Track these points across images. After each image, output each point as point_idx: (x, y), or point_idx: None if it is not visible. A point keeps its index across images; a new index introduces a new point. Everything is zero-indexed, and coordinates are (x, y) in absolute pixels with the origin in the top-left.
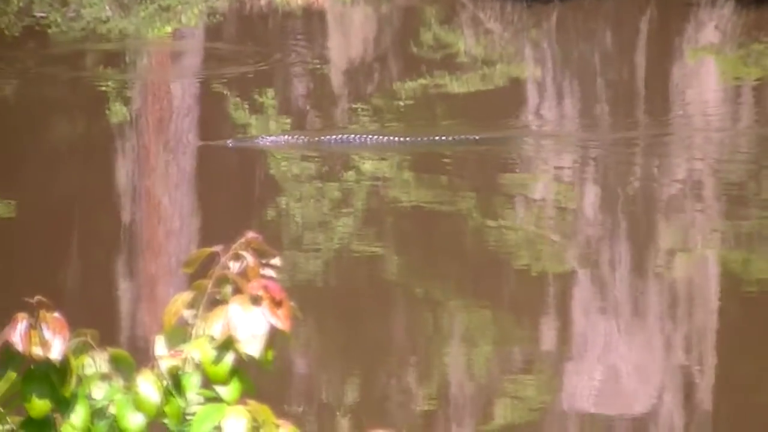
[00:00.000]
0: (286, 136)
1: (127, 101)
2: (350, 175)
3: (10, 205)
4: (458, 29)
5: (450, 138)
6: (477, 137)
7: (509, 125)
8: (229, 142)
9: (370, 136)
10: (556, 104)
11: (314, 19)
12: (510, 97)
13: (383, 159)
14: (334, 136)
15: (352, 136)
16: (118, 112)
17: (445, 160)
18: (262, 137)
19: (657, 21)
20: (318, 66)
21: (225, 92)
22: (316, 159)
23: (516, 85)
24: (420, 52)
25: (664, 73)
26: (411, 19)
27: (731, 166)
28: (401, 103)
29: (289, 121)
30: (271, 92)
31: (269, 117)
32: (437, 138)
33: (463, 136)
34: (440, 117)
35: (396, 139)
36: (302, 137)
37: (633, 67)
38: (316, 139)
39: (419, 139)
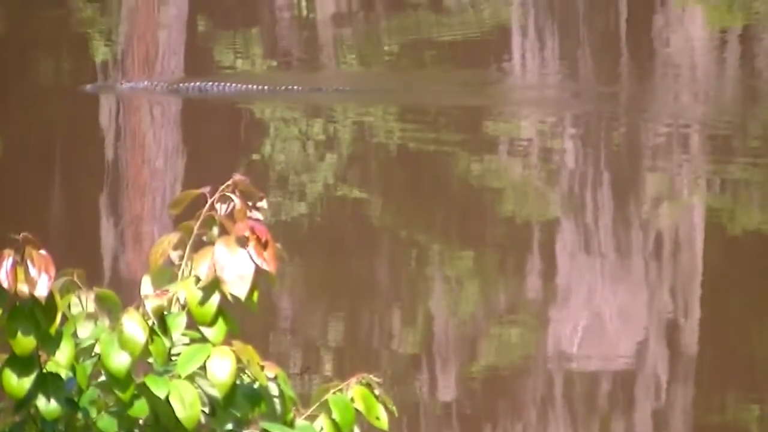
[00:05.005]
0: (145, 82)
1: (112, 39)
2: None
3: None
4: None
5: (307, 89)
6: (347, 88)
7: (488, 72)
8: (88, 87)
9: (229, 84)
10: (538, 48)
11: None
12: (491, 43)
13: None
14: (192, 84)
15: (210, 83)
16: (103, 50)
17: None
18: (122, 82)
19: None
20: (304, 7)
21: (211, 32)
22: (297, 104)
23: (499, 31)
24: None
25: (649, 19)
26: None
27: (716, 115)
28: (386, 48)
29: (274, 63)
30: (257, 34)
31: (254, 59)
32: (295, 88)
33: (334, 87)
34: (425, 62)
35: (254, 87)
36: (161, 84)
37: (617, 14)
38: (175, 86)
39: (277, 88)
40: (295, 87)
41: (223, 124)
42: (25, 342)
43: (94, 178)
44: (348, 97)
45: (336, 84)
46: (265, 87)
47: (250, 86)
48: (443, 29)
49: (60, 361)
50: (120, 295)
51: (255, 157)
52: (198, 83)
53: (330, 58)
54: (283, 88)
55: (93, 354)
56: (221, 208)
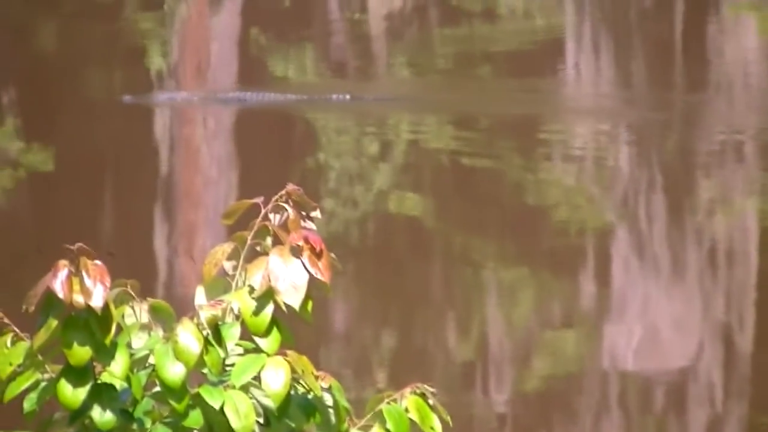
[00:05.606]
0: (183, 93)
1: (165, 50)
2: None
3: (49, 153)
4: None
5: (348, 97)
6: (388, 97)
7: (542, 80)
8: (126, 98)
9: (267, 94)
10: (592, 57)
11: None
12: (546, 52)
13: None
14: (230, 94)
15: (249, 93)
16: (158, 61)
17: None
18: (160, 93)
19: None
20: (357, 16)
21: (264, 42)
22: (352, 113)
23: (552, 39)
24: (459, 3)
25: (702, 29)
26: None
27: None
28: (439, 56)
29: (326, 72)
30: (310, 43)
31: (307, 69)
32: (334, 97)
33: (375, 96)
34: (477, 71)
35: (293, 96)
36: (198, 94)
37: (671, 22)
38: (213, 96)
39: (316, 97)
40: (335, 96)
41: (274, 134)
42: (80, 352)
43: (148, 189)
44: (393, 106)
45: (382, 93)
46: (304, 96)
47: (289, 96)
48: (497, 37)
49: (115, 371)
50: (173, 306)
51: (307, 166)
52: (237, 93)
53: (381, 67)
54: (323, 97)
55: (147, 365)
56: (275, 218)
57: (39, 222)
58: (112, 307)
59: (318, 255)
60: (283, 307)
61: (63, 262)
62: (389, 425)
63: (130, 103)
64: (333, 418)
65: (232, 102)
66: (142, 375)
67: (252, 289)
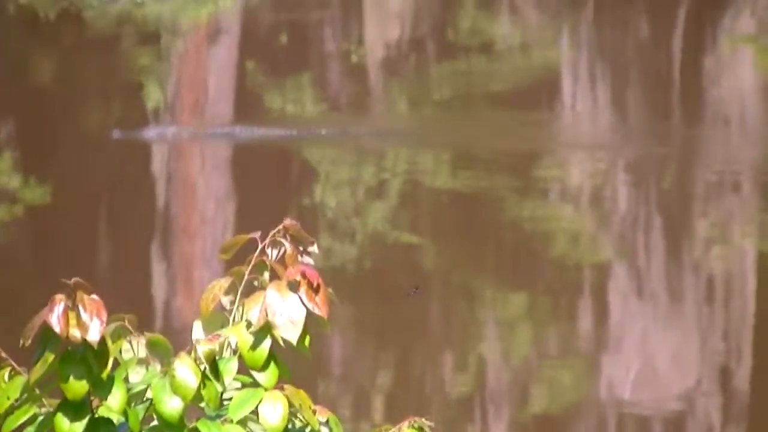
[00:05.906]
0: (172, 128)
1: (162, 84)
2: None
3: (46, 189)
4: (496, 15)
5: (337, 131)
6: (376, 130)
7: (540, 114)
8: (116, 134)
9: (258, 128)
10: (589, 92)
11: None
12: (544, 85)
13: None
14: (219, 129)
15: (238, 128)
16: (156, 95)
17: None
18: (149, 128)
19: (694, 6)
20: (353, 49)
21: (261, 76)
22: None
23: (549, 72)
24: (457, 38)
25: (699, 62)
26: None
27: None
28: (435, 91)
29: (324, 106)
30: (307, 77)
31: (304, 103)
32: (323, 131)
33: (364, 130)
34: (476, 106)
35: (282, 131)
36: (189, 129)
37: (668, 55)
38: (202, 131)
39: (305, 131)
40: (323, 131)
41: (270, 168)
42: (77, 387)
43: (145, 224)
44: (389, 140)
45: (378, 127)
46: (294, 131)
47: (279, 130)
48: (494, 71)
49: (112, 405)
50: (171, 340)
51: (303, 201)
52: (228, 128)
53: (378, 101)
54: (315, 131)
55: (145, 399)
56: (272, 253)
57: (36, 256)
58: (108, 341)
59: (315, 290)
60: (281, 342)
61: (60, 297)
62: None
63: (119, 138)
64: None
65: (223, 137)
66: (140, 409)
67: (249, 324)
